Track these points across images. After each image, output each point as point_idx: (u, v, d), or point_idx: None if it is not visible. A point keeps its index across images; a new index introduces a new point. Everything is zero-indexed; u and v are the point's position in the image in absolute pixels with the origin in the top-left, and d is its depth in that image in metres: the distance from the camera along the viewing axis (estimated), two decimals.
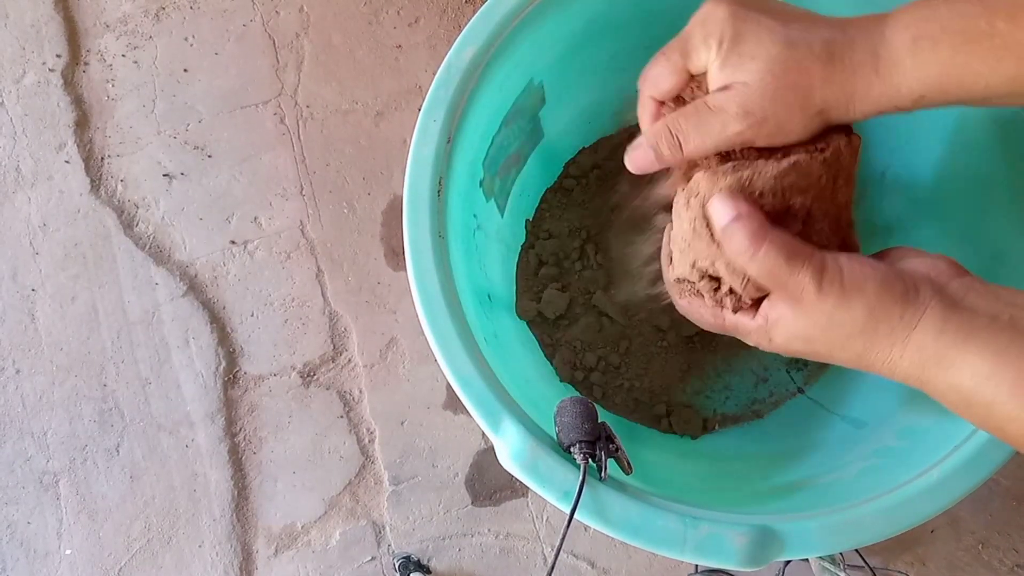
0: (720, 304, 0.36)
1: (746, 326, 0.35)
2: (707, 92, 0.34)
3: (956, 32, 0.29)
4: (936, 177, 0.50)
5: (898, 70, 0.31)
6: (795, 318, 0.33)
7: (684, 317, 0.39)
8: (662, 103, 0.37)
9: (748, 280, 0.34)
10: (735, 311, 0.35)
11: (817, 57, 0.31)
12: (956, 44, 0.29)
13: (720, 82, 0.33)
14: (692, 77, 0.35)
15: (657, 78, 0.36)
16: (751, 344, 0.36)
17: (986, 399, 0.29)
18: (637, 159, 0.36)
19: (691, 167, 0.36)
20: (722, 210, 0.33)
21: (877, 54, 0.31)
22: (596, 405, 0.38)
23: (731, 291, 0.35)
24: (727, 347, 0.57)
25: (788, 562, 0.66)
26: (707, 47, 0.33)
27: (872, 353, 0.31)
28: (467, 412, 0.76)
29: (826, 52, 0.31)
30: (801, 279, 0.32)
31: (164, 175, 0.82)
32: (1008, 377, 0.28)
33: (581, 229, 0.60)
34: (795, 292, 0.32)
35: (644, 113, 0.37)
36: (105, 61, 0.86)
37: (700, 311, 0.37)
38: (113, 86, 0.85)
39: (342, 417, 0.76)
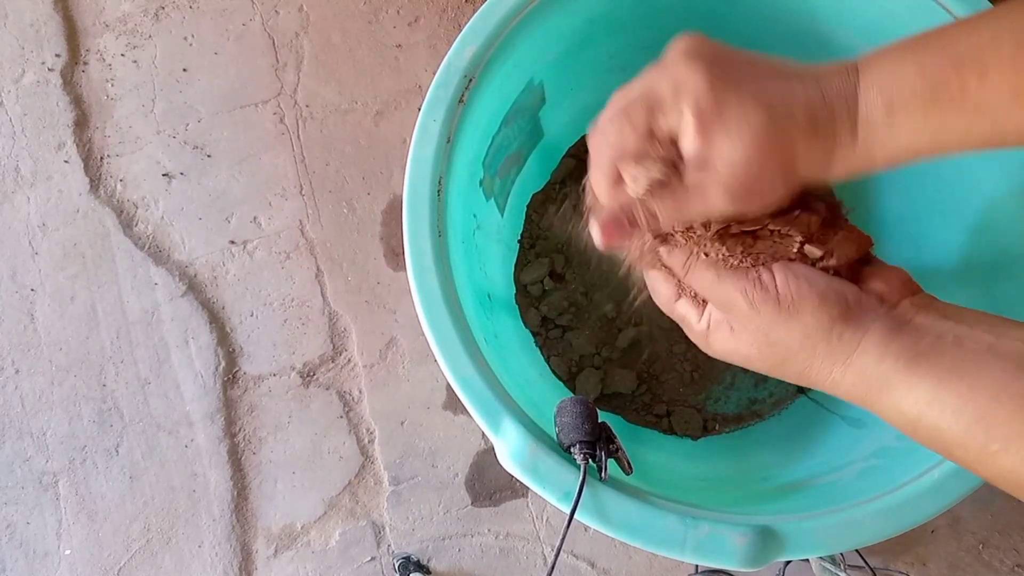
0: (679, 287, 0.35)
1: (691, 323, 0.35)
2: (667, 155, 0.31)
3: (927, 97, 0.28)
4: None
5: (875, 139, 0.29)
6: (731, 333, 0.33)
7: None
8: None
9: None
10: (688, 298, 0.35)
11: (801, 130, 0.29)
12: (928, 110, 0.28)
13: (697, 156, 0.30)
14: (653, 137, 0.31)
15: (619, 140, 0.32)
16: (694, 342, 0.36)
17: (931, 424, 0.28)
18: (609, 233, 0.33)
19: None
20: None
21: (855, 123, 0.29)
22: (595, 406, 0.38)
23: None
24: None
25: (788, 562, 0.66)
26: (679, 113, 0.30)
27: (812, 372, 0.31)
28: (467, 412, 0.75)
29: (809, 123, 0.29)
30: (731, 294, 0.32)
31: (163, 175, 0.82)
32: (950, 403, 0.27)
33: (578, 227, 0.60)
34: (728, 306, 0.33)
35: (602, 179, 0.33)
36: (104, 61, 0.85)
37: (661, 285, 0.36)
38: (112, 86, 0.85)
39: (342, 417, 0.76)
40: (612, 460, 0.36)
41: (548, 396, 0.51)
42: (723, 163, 0.29)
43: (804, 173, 0.30)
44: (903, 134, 0.29)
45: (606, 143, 0.32)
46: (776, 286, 0.31)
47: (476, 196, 0.49)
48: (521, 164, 0.56)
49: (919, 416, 0.28)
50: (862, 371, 0.29)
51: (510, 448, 0.36)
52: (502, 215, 0.55)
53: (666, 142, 0.31)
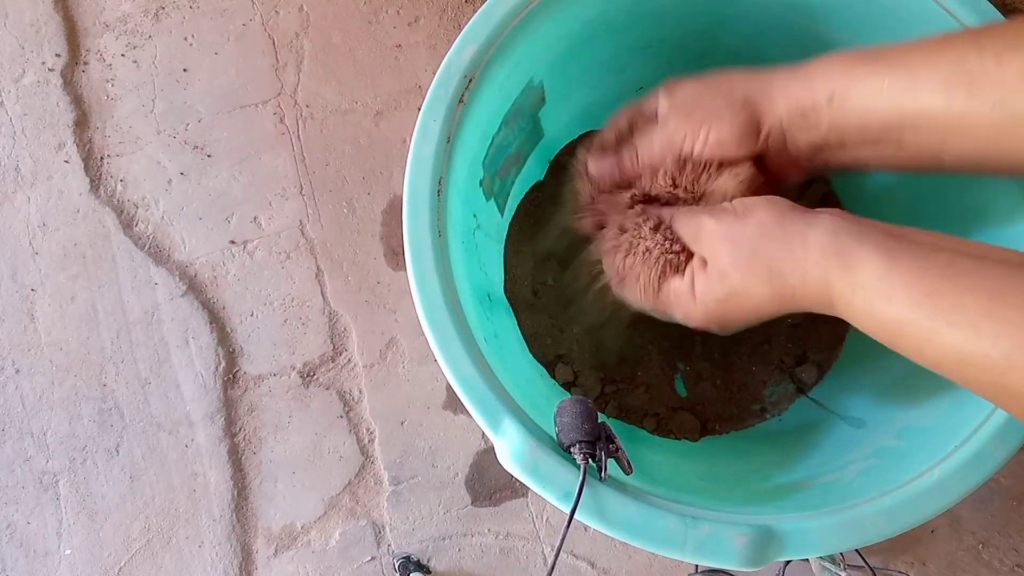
0: (655, 268, 0.41)
1: (677, 288, 0.40)
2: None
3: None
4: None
5: (811, 72, 0.37)
6: (705, 268, 0.38)
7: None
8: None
9: (675, 243, 0.40)
10: (671, 271, 0.41)
11: (738, 72, 0.40)
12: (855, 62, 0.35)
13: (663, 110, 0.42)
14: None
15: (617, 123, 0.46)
16: (681, 317, 0.40)
17: (883, 302, 0.30)
18: (602, 166, 0.44)
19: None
20: None
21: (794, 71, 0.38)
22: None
23: (664, 251, 0.40)
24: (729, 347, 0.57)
25: (788, 562, 0.66)
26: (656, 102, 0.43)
27: (780, 264, 0.34)
28: (467, 412, 0.75)
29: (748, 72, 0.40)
30: (701, 218, 0.38)
31: (164, 175, 0.82)
32: (899, 279, 0.29)
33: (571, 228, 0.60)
34: (698, 231, 0.38)
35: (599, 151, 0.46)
36: (104, 61, 0.86)
37: (636, 283, 0.42)
38: (113, 86, 0.85)
39: (342, 417, 0.76)
40: (612, 460, 0.36)
41: (548, 396, 0.51)
42: (672, 95, 0.42)
43: (746, 94, 0.39)
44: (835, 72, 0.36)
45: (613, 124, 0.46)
46: (732, 203, 0.38)
47: (476, 196, 0.49)
48: (521, 164, 0.56)
49: (872, 293, 0.30)
50: (822, 247, 0.32)
51: (510, 448, 0.36)
52: (502, 215, 0.55)
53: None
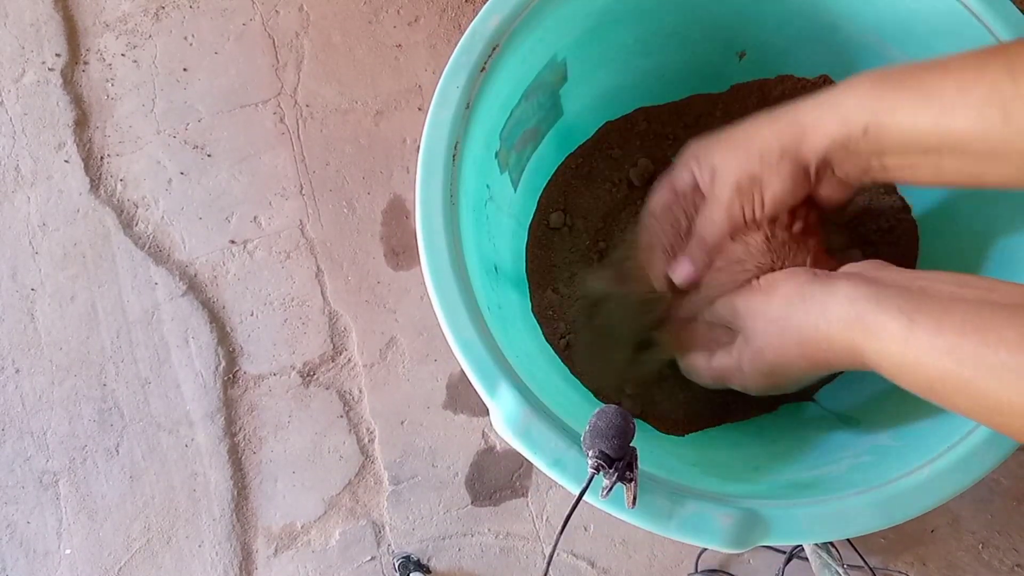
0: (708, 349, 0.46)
1: (728, 366, 0.44)
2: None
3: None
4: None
5: (840, 103, 0.37)
6: (747, 342, 0.41)
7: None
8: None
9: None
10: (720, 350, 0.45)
11: (763, 121, 0.41)
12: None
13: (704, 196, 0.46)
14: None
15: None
16: (739, 387, 0.45)
17: (911, 360, 0.31)
18: (684, 274, 0.47)
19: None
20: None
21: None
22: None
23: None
24: None
25: (788, 561, 0.66)
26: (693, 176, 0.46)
27: (808, 337, 0.36)
28: (467, 411, 0.75)
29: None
30: (734, 302, 0.43)
31: (164, 174, 0.82)
32: (923, 339, 0.30)
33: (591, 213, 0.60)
34: (733, 314, 0.43)
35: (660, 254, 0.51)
36: (105, 60, 0.86)
37: (697, 360, 0.47)
38: (113, 85, 0.85)
39: (342, 417, 0.76)
40: (621, 486, 0.35)
41: (546, 370, 0.51)
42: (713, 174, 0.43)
43: (780, 148, 0.40)
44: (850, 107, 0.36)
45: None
46: (759, 281, 0.42)
47: (491, 167, 0.48)
48: (538, 141, 0.55)
49: (899, 357, 0.31)
50: (842, 318, 0.34)
51: (504, 413, 0.36)
52: (515, 190, 0.54)
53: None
